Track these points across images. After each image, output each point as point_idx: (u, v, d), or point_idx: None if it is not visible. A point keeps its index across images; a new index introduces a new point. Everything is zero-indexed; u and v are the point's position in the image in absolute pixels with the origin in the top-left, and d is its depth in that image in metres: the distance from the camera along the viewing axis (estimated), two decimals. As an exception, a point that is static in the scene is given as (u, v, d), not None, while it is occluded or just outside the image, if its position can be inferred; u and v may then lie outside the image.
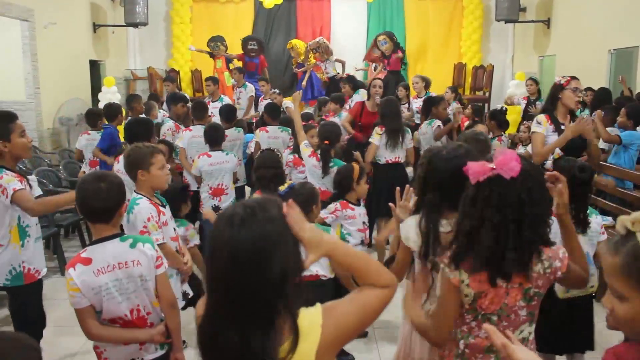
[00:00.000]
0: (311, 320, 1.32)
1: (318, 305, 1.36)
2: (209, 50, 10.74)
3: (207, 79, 8.01)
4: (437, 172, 2.17)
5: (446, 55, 11.99)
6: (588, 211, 2.93)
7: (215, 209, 4.91)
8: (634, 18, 7.74)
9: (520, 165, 1.70)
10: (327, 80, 10.49)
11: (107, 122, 5.93)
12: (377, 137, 5.26)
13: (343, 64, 10.91)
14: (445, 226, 2.11)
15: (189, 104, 6.51)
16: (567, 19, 9.93)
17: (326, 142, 4.50)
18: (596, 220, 2.96)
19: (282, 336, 1.28)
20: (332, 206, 3.83)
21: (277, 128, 5.92)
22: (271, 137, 5.87)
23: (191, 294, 3.21)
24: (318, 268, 3.14)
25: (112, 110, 5.95)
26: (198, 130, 5.37)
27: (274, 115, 6.06)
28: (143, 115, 6.59)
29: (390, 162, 5.28)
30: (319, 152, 4.64)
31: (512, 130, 6.91)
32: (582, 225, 2.87)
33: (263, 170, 3.78)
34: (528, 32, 11.46)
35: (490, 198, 1.71)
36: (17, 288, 3.02)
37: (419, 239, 2.18)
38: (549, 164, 3.80)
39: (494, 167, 1.71)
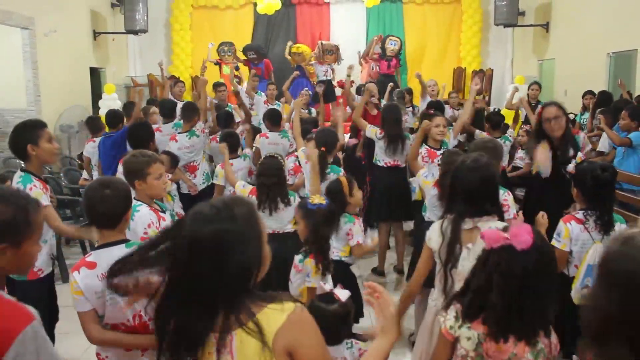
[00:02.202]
0: (269, 322, 1.38)
1: (289, 314, 1.40)
2: (217, 57, 10.71)
3: (219, 84, 8.04)
4: (464, 182, 2.35)
5: (445, 60, 12.04)
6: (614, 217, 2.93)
7: None
8: (632, 21, 7.77)
9: (533, 240, 1.78)
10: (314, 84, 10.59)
11: (108, 130, 5.92)
12: (372, 132, 5.34)
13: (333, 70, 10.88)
14: (468, 223, 2.32)
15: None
16: (566, 22, 9.97)
17: (323, 148, 4.50)
18: (620, 228, 2.92)
19: (228, 326, 1.37)
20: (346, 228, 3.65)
21: (277, 134, 5.92)
22: (271, 143, 5.87)
23: None
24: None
25: (114, 118, 5.95)
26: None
27: (275, 121, 6.06)
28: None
29: (389, 165, 5.30)
30: None
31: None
32: (606, 228, 2.87)
33: (264, 178, 3.78)
34: (527, 36, 11.50)
35: (499, 264, 1.78)
36: (20, 282, 3.04)
37: (440, 238, 2.38)
38: (571, 167, 3.79)
39: (508, 237, 1.80)
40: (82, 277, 2.20)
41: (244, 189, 4.10)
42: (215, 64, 10.58)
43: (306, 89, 9.24)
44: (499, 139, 5.23)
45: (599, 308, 1.30)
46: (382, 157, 5.32)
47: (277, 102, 8.08)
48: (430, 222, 3.11)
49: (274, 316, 1.39)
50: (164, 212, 3.01)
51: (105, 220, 2.27)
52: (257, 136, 6.13)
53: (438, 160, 4.33)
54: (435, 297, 2.53)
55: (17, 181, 3.20)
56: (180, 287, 1.41)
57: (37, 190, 3.15)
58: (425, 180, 3.81)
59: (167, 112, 6.11)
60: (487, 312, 1.79)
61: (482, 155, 2.44)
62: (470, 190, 2.33)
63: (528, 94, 8.02)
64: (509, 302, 1.75)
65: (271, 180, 3.74)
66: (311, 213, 2.98)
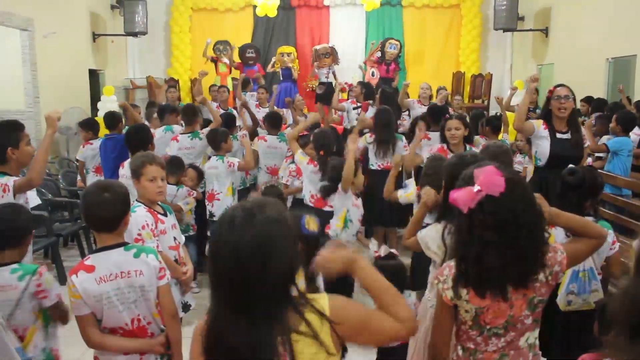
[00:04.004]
0: (320, 303, 1.39)
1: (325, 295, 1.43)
2: (214, 55, 10.71)
3: (221, 87, 8.03)
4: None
5: (445, 64, 12.03)
6: (597, 223, 2.88)
7: (210, 215, 5.04)
8: (631, 27, 7.78)
9: (504, 177, 1.70)
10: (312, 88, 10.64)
11: (109, 132, 5.90)
12: (363, 139, 5.42)
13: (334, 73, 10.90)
14: None
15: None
16: (565, 28, 9.98)
17: (321, 152, 4.51)
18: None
19: (288, 328, 1.34)
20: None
21: (275, 138, 5.91)
22: (270, 146, 5.86)
23: (192, 304, 3.19)
24: None
25: (113, 120, 5.94)
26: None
27: (275, 124, 6.04)
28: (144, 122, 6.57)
29: (382, 167, 5.34)
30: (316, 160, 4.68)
31: (511, 138, 6.91)
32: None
33: None
34: (526, 40, 11.51)
35: (486, 221, 1.69)
36: None
37: (440, 251, 2.24)
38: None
39: (480, 189, 1.70)
40: (80, 280, 2.19)
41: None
42: (212, 61, 10.58)
43: (298, 96, 9.24)
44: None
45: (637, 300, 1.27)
46: (374, 160, 5.39)
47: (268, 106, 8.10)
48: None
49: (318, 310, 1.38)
50: (165, 214, 3.00)
51: (103, 224, 2.26)
52: (255, 139, 6.11)
53: None
54: (431, 296, 2.51)
55: None
56: (230, 298, 1.36)
57: (5, 178, 3.07)
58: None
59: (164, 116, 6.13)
60: (482, 274, 1.72)
61: (483, 158, 2.38)
62: None
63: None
64: (508, 255, 1.68)
65: None
66: (301, 236, 2.99)
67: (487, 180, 1.70)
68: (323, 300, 1.41)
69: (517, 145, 6.79)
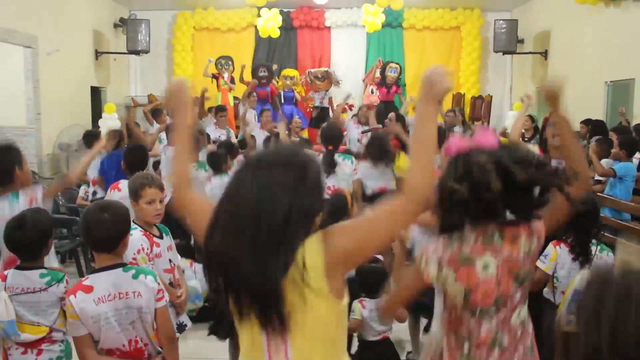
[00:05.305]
0: (312, 247, 1.38)
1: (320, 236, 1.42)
2: (215, 71, 10.74)
3: (220, 109, 8.07)
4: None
5: (445, 85, 12.08)
6: (597, 246, 2.88)
7: None
8: (630, 50, 7.85)
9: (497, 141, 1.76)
10: (310, 109, 10.69)
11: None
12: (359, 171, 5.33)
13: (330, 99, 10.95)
14: None
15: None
16: (564, 50, 10.06)
17: (330, 147, 4.42)
18: (608, 258, 2.89)
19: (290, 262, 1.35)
20: None
21: None
22: None
23: (189, 325, 3.15)
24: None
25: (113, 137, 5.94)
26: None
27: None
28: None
29: (375, 191, 5.27)
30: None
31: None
32: (583, 257, 2.84)
33: None
34: (526, 63, 11.60)
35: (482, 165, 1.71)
36: None
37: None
38: None
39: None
40: (78, 301, 2.17)
41: None
42: (213, 78, 10.59)
43: (297, 116, 9.35)
44: None
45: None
46: (368, 183, 5.30)
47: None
48: None
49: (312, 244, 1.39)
50: (161, 237, 2.98)
51: (102, 244, 2.25)
52: None
53: None
54: (437, 329, 2.47)
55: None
56: (240, 230, 1.37)
57: (30, 188, 3.24)
58: None
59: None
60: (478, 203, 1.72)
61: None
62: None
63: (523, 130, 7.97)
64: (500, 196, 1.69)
65: None
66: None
67: (482, 138, 1.76)
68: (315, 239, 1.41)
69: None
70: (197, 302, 3.31)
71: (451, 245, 1.79)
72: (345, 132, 7.69)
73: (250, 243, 1.34)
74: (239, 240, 1.35)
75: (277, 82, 10.93)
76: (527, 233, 1.81)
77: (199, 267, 4.44)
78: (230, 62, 10.81)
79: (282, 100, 10.91)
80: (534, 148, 4.19)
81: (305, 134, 8.79)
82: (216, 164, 5.18)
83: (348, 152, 4.56)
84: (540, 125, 8.05)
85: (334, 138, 4.42)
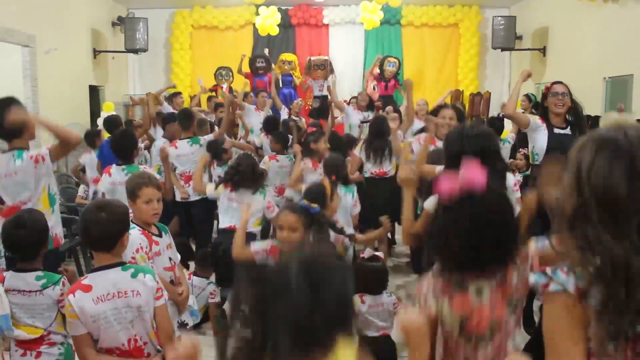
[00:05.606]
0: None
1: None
2: (214, 83, 10.68)
3: (219, 105, 8.08)
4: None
5: (443, 83, 12.09)
6: None
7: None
8: (628, 46, 7.85)
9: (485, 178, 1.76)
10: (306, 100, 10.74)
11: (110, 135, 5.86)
12: (358, 149, 5.51)
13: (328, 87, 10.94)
14: None
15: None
16: (562, 47, 10.06)
17: (333, 177, 4.44)
18: None
19: None
20: None
21: (285, 157, 5.77)
22: (282, 166, 5.72)
23: (190, 324, 3.16)
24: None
25: (113, 124, 5.94)
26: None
27: (286, 144, 5.94)
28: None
29: (375, 174, 5.34)
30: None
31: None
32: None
33: None
34: (524, 59, 11.59)
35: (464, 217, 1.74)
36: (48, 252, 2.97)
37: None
38: None
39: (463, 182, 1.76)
40: (77, 300, 2.18)
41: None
42: (211, 91, 10.50)
43: (298, 100, 9.60)
44: (499, 142, 5.26)
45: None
46: (368, 168, 5.39)
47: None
48: None
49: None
50: (160, 235, 2.98)
51: (100, 244, 2.26)
52: (267, 158, 5.82)
53: None
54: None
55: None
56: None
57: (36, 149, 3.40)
58: None
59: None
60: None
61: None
62: None
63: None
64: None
65: None
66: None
67: (470, 175, 1.75)
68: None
69: (516, 164, 6.81)
70: (194, 318, 3.26)
71: (443, 272, 1.81)
72: (344, 117, 7.92)
73: None
74: None
75: (276, 69, 10.89)
76: (523, 258, 1.81)
77: (196, 280, 4.44)
78: (230, 73, 10.78)
79: (281, 85, 10.86)
80: (533, 117, 4.15)
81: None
82: (217, 152, 5.34)
83: (348, 183, 4.60)
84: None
85: (336, 168, 4.49)
